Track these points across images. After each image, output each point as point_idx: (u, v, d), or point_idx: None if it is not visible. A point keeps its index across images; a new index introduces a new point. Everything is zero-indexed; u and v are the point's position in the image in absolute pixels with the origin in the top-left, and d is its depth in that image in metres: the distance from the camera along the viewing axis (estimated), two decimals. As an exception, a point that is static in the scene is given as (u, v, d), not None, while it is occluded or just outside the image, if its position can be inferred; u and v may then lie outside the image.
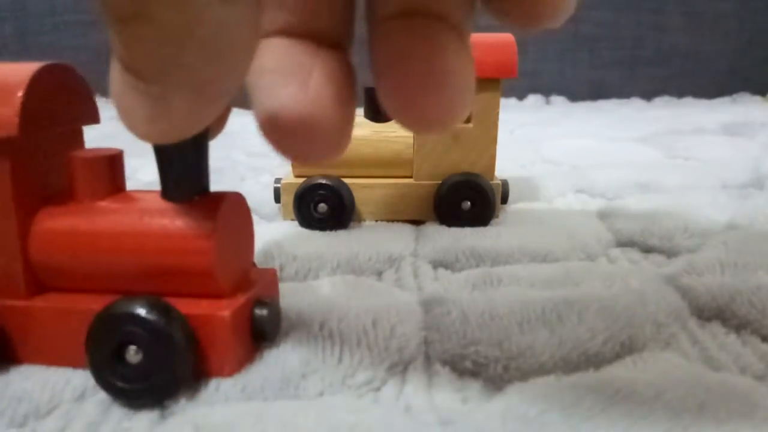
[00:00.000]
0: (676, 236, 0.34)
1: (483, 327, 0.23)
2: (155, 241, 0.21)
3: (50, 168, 0.23)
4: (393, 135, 0.38)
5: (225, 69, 0.13)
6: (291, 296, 0.26)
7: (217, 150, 0.66)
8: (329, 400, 0.20)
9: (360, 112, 0.41)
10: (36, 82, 0.21)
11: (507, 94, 0.97)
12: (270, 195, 0.40)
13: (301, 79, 0.15)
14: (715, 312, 0.25)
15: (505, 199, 0.39)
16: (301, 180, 0.37)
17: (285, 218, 0.38)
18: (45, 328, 0.22)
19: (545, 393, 0.20)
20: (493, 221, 0.38)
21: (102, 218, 0.22)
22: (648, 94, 1.09)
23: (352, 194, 0.37)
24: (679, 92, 1.09)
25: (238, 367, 0.21)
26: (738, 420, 0.18)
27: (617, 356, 0.22)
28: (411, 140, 0.38)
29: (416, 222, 0.38)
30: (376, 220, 0.38)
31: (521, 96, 1.06)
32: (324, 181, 0.36)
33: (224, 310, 0.21)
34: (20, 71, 0.21)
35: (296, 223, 0.37)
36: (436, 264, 0.32)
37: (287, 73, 0.15)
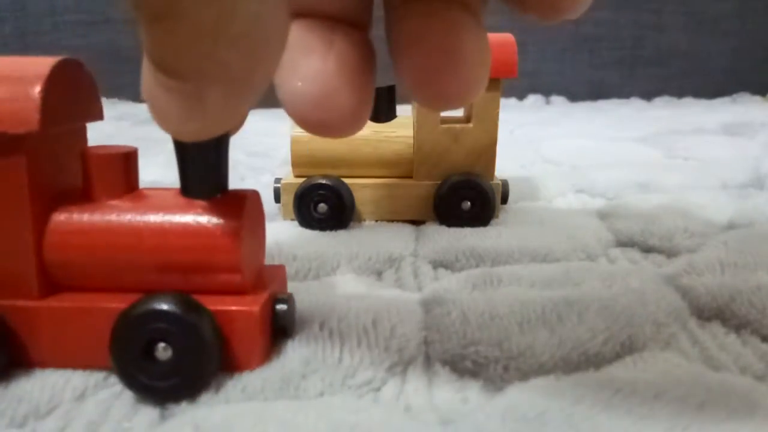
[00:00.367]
0: (676, 236, 0.34)
1: (483, 327, 0.23)
2: (180, 239, 0.21)
3: (61, 165, 0.22)
4: (393, 135, 0.38)
5: (259, 62, 0.13)
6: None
7: (217, 150, 0.65)
8: (329, 400, 0.20)
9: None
10: (53, 78, 0.20)
11: (507, 94, 0.97)
12: (270, 195, 0.40)
13: (320, 53, 0.16)
14: (715, 312, 0.25)
15: (505, 199, 0.39)
16: (301, 180, 0.37)
17: (285, 218, 0.38)
18: (62, 329, 0.21)
19: (545, 393, 0.20)
20: (493, 221, 0.38)
21: (122, 216, 0.22)
22: (648, 94, 1.09)
23: (352, 194, 0.37)
24: (679, 92, 1.09)
25: (263, 361, 0.21)
26: (738, 420, 0.18)
27: (617, 356, 0.22)
28: (411, 140, 0.38)
29: (416, 222, 0.38)
30: (376, 220, 0.38)
31: (521, 96, 1.06)
32: (324, 181, 0.36)
33: (252, 305, 0.21)
34: (37, 66, 0.21)
35: (296, 223, 0.37)
36: (436, 264, 0.32)
37: (307, 48, 0.16)
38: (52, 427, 0.19)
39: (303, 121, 0.16)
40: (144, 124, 0.76)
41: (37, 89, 0.20)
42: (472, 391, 0.21)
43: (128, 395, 0.21)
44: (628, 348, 0.23)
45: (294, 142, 0.37)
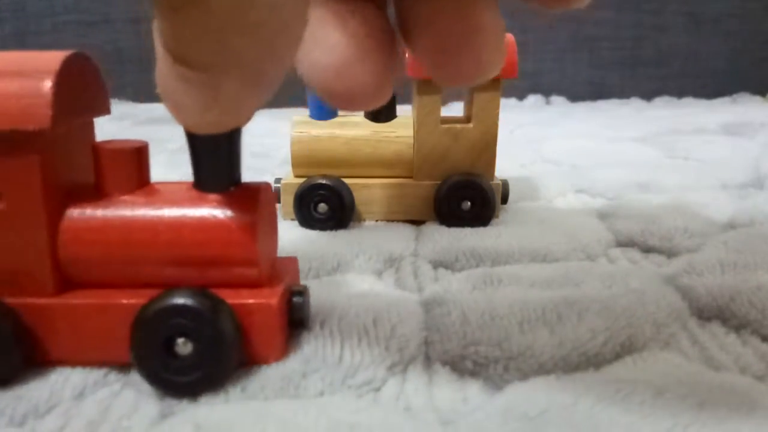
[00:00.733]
0: (676, 236, 0.34)
1: (483, 327, 0.23)
2: (196, 233, 0.21)
3: (72, 161, 0.22)
4: (393, 135, 0.38)
5: (278, 51, 0.13)
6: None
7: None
8: (329, 400, 0.20)
9: (360, 111, 0.40)
10: (64, 73, 0.20)
11: (507, 94, 0.97)
12: (270, 195, 0.40)
13: (339, 25, 0.16)
14: (715, 312, 0.25)
15: (505, 199, 0.39)
16: (301, 180, 0.37)
17: (285, 218, 0.38)
18: (78, 326, 0.21)
19: (545, 393, 0.20)
20: (493, 221, 0.38)
21: (136, 211, 0.21)
22: (648, 94, 1.09)
23: (352, 194, 0.37)
24: (679, 92, 1.09)
25: (282, 354, 0.22)
26: (738, 419, 0.18)
27: (617, 356, 0.22)
28: (411, 140, 0.38)
29: (416, 222, 0.38)
30: (376, 220, 0.38)
31: (521, 96, 1.05)
32: (324, 181, 0.36)
33: (270, 298, 0.21)
34: (47, 60, 0.20)
35: (296, 223, 0.37)
36: (436, 264, 0.32)
37: (325, 21, 0.16)
38: (51, 426, 0.19)
39: (326, 92, 0.16)
40: (144, 124, 0.76)
41: (49, 85, 0.20)
42: (472, 391, 0.21)
43: (128, 394, 0.21)
44: (628, 348, 0.23)
45: (294, 142, 0.37)
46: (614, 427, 0.18)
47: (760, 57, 1.11)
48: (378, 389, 0.21)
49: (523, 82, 1.04)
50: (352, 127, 0.38)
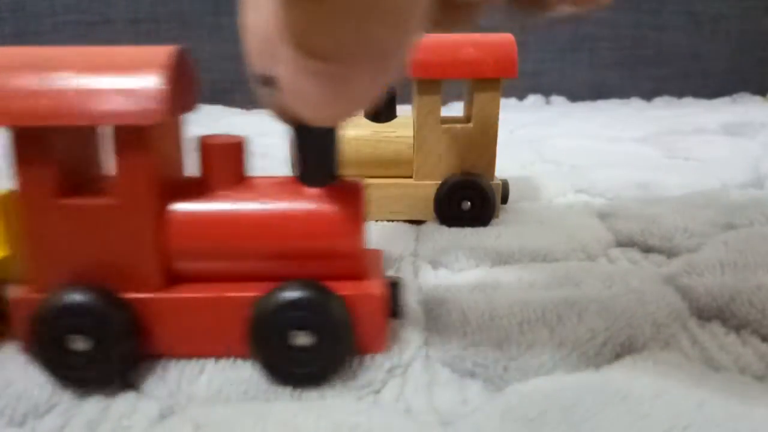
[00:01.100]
0: (676, 236, 0.34)
1: (483, 327, 0.23)
2: (304, 226, 0.21)
3: (173, 155, 0.22)
4: (393, 135, 0.38)
5: (406, 35, 0.13)
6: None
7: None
8: (330, 401, 0.20)
9: (360, 111, 0.40)
10: (172, 68, 0.20)
11: (507, 94, 0.97)
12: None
13: None
14: (715, 312, 0.25)
15: (505, 199, 0.39)
16: (301, 180, 0.37)
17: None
18: (188, 319, 0.21)
19: (545, 393, 0.20)
20: (493, 221, 0.38)
21: (243, 205, 0.22)
22: (648, 94, 1.09)
23: (352, 194, 0.37)
24: (679, 92, 1.09)
25: (385, 345, 0.22)
26: (738, 420, 0.18)
27: (617, 356, 0.22)
28: (411, 140, 0.38)
29: (416, 222, 0.38)
30: (377, 220, 0.38)
31: (521, 96, 1.05)
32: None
33: (375, 289, 0.21)
34: (156, 55, 0.20)
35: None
36: (436, 264, 0.32)
37: None
38: (51, 425, 0.19)
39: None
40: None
41: (161, 81, 0.20)
42: (472, 392, 0.21)
43: (128, 394, 0.21)
44: (627, 348, 0.23)
45: (294, 141, 0.37)
46: (614, 428, 0.18)
47: (760, 57, 1.11)
48: (378, 391, 0.21)
49: (523, 82, 1.04)
50: (352, 127, 0.38)
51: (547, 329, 0.23)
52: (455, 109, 0.44)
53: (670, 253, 0.33)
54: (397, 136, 0.38)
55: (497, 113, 0.36)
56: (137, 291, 0.21)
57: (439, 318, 0.24)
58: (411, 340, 0.23)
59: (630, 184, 0.46)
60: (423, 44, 0.34)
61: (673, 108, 0.98)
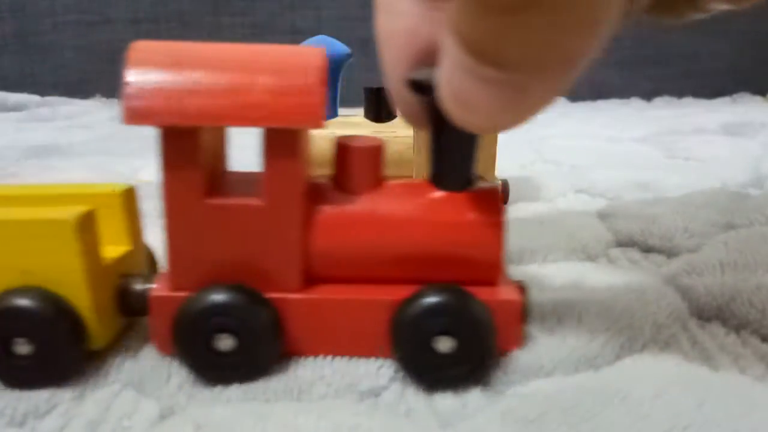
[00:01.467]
0: (676, 236, 0.34)
1: (483, 327, 0.23)
2: (445, 232, 0.21)
3: (307, 158, 0.22)
4: (393, 135, 0.38)
5: (597, 42, 0.13)
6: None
7: (217, 150, 0.65)
8: (331, 403, 0.20)
9: (360, 112, 0.40)
10: (324, 70, 0.20)
11: (507, 94, 0.97)
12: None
13: None
14: (715, 312, 0.25)
15: (505, 199, 0.39)
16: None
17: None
18: (329, 320, 0.21)
19: (545, 395, 0.20)
20: (493, 221, 0.38)
21: (385, 208, 0.21)
22: (648, 94, 1.09)
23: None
24: (679, 92, 1.09)
25: (521, 347, 0.22)
26: (738, 420, 0.18)
27: (617, 357, 0.22)
28: (411, 140, 0.37)
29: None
30: (376, 220, 0.38)
31: (521, 96, 1.05)
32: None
33: (513, 295, 0.21)
34: (308, 56, 0.20)
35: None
36: (436, 264, 0.32)
37: None
38: (51, 426, 0.19)
39: None
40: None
41: (319, 82, 0.19)
42: (472, 395, 0.21)
43: (128, 394, 0.21)
44: (627, 349, 0.23)
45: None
46: (614, 429, 0.18)
47: (760, 57, 1.11)
48: (379, 394, 0.21)
49: (523, 82, 1.03)
50: (352, 127, 0.38)
51: (547, 330, 0.23)
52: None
53: (670, 253, 0.33)
54: (397, 136, 0.38)
55: (497, 113, 0.36)
56: (278, 291, 0.21)
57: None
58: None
59: (630, 184, 0.46)
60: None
61: (673, 108, 0.98)
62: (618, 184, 0.46)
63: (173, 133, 0.20)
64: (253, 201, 0.21)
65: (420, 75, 0.18)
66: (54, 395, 0.20)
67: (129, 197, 0.24)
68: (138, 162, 0.53)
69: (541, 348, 0.22)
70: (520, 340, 0.22)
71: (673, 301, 0.26)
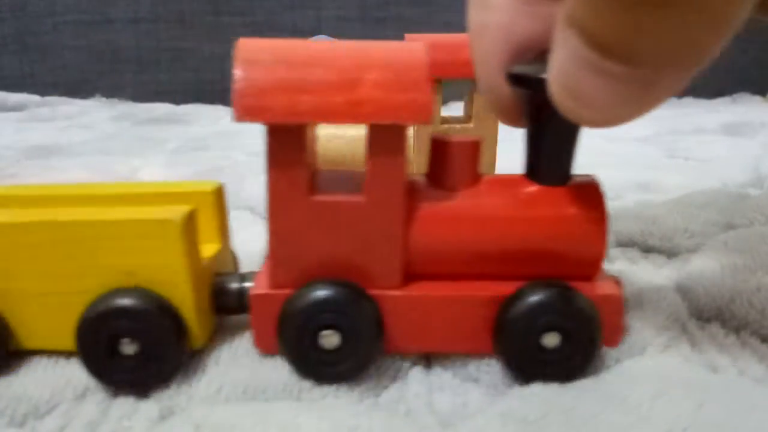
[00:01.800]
0: (676, 236, 0.34)
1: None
2: (552, 228, 0.21)
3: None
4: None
5: (728, 35, 0.13)
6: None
7: (217, 150, 0.66)
8: (331, 404, 0.20)
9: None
10: (428, 64, 0.19)
11: (507, 94, 0.97)
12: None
13: None
14: (714, 313, 0.25)
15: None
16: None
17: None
18: (430, 317, 0.21)
19: (546, 396, 0.20)
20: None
21: (484, 204, 0.21)
22: (648, 94, 1.09)
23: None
24: (679, 92, 1.09)
25: (621, 342, 0.22)
26: (737, 421, 0.18)
27: (616, 358, 0.22)
28: (410, 140, 0.37)
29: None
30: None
31: (521, 96, 1.05)
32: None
33: (615, 289, 0.21)
34: (411, 52, 0.20)
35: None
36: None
37: None
38: (51, 426, 0.19)
39: None
40: (144, 124, 0.76)
41: (426, 78, 0.19)
42: (473, 396, 0.21)
43: (128, 394, 0.21)
44: (627, 350, 0.23)
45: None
46: (614, 430, 0.18)
47: (760, 57, 1.11)
48: (379, 394, 0.21)
49: (523, 82, 1.03)
50: (352, 127, 0.38)
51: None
52: (455, 109, 0.44)
53: (670, 254, 0.33)
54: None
55: (497, 113, 0.36)
56: (378, 288, 0.21)
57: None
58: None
59: (630, 184, 0.46)
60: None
61: (673, 108, 0.98)
62: (618, 184, 0.46)
63: (281, 131, 0.19)
64: (357, 197, 0.20)
65: (523, 69, 0.18)
66: (54, 395, 0.20)
67: (219, 195, 0.24)
68: (137, 162, 0.53)
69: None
70: (621, 334, 0.22)
71: (673, 302, 0.26)
